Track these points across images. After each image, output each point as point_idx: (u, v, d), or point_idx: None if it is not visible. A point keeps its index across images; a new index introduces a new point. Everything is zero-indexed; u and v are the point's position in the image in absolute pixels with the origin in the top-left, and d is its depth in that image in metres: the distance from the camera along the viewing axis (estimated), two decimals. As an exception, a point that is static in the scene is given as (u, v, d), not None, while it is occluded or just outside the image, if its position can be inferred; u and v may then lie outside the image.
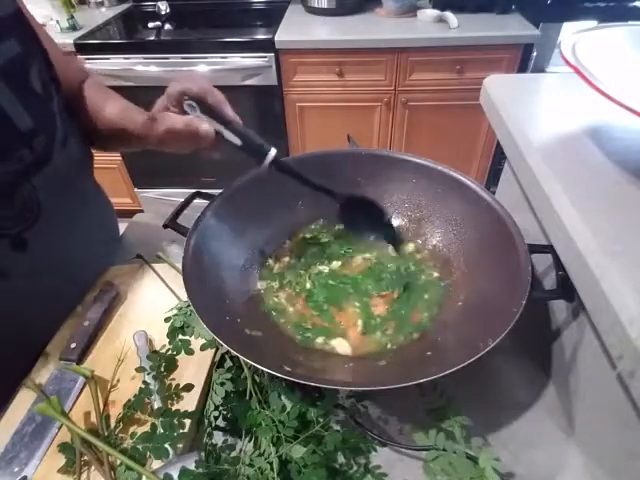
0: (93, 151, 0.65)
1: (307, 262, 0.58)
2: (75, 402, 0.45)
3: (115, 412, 0.44)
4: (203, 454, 0.40)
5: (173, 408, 0.43)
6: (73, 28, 1.61)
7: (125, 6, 1.90)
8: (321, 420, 0.41)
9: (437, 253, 0.57)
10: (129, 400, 0.44)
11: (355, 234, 0.60)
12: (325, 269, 0.57)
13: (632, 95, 0.35)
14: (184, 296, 0.47)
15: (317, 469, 0.38)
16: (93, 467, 0.40)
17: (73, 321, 0.54)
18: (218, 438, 0.44)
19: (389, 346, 0.48)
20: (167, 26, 1.73)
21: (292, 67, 1.56)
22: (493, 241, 0.49)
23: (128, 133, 0.54)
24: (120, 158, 1.85)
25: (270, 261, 0.58)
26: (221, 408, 0.44)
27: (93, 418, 0.44)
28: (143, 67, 1.55)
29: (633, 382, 0.31)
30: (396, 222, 0.61)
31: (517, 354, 0.52)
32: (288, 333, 0.50)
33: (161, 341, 0.51)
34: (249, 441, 0.43)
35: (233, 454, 0.42)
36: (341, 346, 0.49)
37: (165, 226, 0.52)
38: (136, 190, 1.97)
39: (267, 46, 1.50)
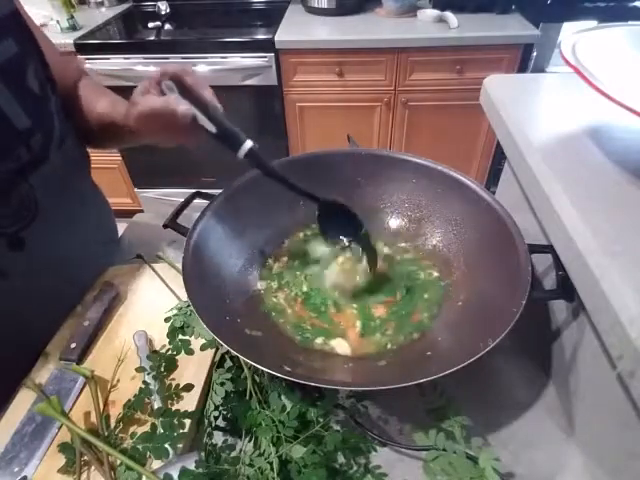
0: (91, 151, 0.65)
1: (304, 263, 0.58)
2: (75, 402, 0.46)
3: (115, 412, 0.44)
4: (203, 454, 0.40)
5: (173, 408, 0.43)
6: (73, 28, 1.61)
7: (125, 6, 1.90)
8: (321, 420, 0.41)
9: (437, 253, 0.57)
10: (129, 400, 0.44)
11: (330, 238, 0.56)
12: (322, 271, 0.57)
13: (632, 95, 0.35)
14: (184, 296, 0.47)
15: (317, 469, 0.38)
16: (93, 467, 0.40)
17: (73, 321, 0.54)
18: (218, 438, 0.44)
19: (389, 346, 0.48)
20: (167, 26, 1.73)
21: (292, 67, 1.56)
22: (493, 241, 0.49)
23: (117, 126, 0.53)
24: (120, 158, 1.85)
25: (270, 261, 0.58)
26: (221, 408, 0.44)
27: (93, 418, 0.44)
28: (143, 67, 1.56)
29: (633, 382, 0.31)
30: (396, 222, 0.61)
31: (517, 354, 0.52)
32: (288, 333, 0.50)
33: (161, 341, 0.51)
34: (249, 441, 0.43)
35: (233, 454, 0.42)
36: (341, 346, 0.49)
37: (165, 226, 0.52)
38: (136, 190, 1.97)
39: (267, 46, 1.50)
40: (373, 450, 0.42)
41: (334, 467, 0.41)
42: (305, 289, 0.55)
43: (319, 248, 0.59)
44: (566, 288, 0.40)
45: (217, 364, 0.48)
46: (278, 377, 0.42)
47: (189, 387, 0.45)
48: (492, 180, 1.82)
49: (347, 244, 0.55)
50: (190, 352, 0.48)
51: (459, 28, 1.49)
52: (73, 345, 0.49)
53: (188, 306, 0.51)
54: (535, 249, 0.45)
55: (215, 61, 1.54)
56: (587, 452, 0.43)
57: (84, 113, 0.58)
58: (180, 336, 0.49)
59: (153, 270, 0.60)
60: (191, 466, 0.38)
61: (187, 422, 0.42)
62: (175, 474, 0.37)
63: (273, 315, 0.52)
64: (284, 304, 0.54)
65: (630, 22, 0.49)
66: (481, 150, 1.76)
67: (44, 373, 0.48)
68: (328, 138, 1.69)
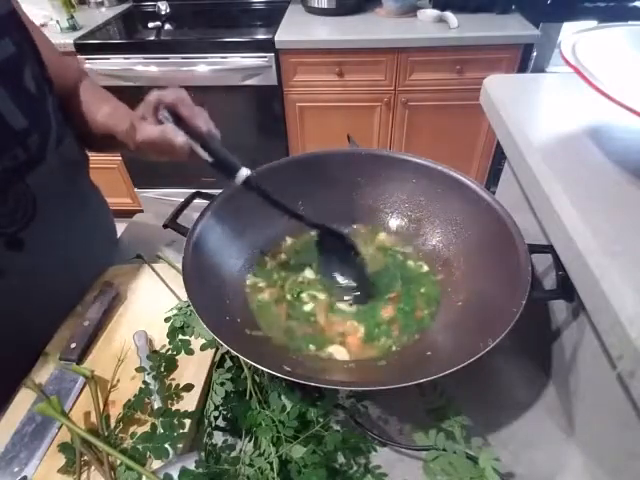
0: (91, 152, 0.65)
1: (293, 271, 0.57)
2: (75, 402, 0.45)
3: (115, 412, 0.44)
4: (203, 454, 0.40)
5: (173, 408, 0.43)
6: (73, 28, 1.61)
7: (125, 6, 1.90)
8: (321, 420, 0.41)
9: (437, 253, 0.57)
10: (129, 400, 0.44)
11: (326, 274, 0.56)
12: (312, 276, 0.56)
13: (632, 95, 0.35)
14: (184, 296, 0.47)
15: (317, 469, 0.38)
16: (93, 467, 0.40)
17: (73, 321, 0.54)
18: (218, 438, 0.44)
19: (394, 349, 0.48)
20: (167, 26, 1.73)
21: (292, 67, 1.56)
22: (493, 241, 0.49)
23: (115, 138, 0.54)
24: (120, 158, 1.85)
25: (266, 259, 0.58)
26: (221, 408, 0.44)
27: (93, 418, 0.44)
28: (143, 67, 1.55)
29: (633, 382, 0.31)
30: (396, 222, 0.61)
31: (517, 354, 0.52)
32: (279, 341, 0.49)
33: (161, 341, 0.51)
34: (249, 441, 0.43)
35: (233, 454, 0.42)
36: (339, 353, 0.48)
37: (165, 226, 0.52)
38: (136, 190, 1.97)
39: (267, 46, 1.50)
40: (373, 450, 0.42)
41: (334, 467, 0.41)
42: (289, 297, 0.54)
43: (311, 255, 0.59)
44: (566, 288, 0.40)
45: (217, 364, 0.48)
46: (278, 377, 0.42)
47: (189, 387, 0.45)
48: (492, 180, 1.82)
49: (342, 284, 0.55)
50: (190, 352, 0.48)
51: (459, 28, 1.49)
52: (73, 345, 0.49)
53: (188, 306, 0.51)
54: (535, 249, 0.45)
55: (215, 61, 1.54)
56: (587, 452, 0.43)
57: (85, 118, 0.58)
58: (180, 336, 0.49)
59: (153, 270, 0.60)
60: (191, 466, 0.38)
61: (187, 422, 0.42)
62: (175, 474, 0.37)
63: (261, 319, 0.51)
64: (274, 310, 0.53)
65: (630, 22, 0.49)
66: (481, 150, 1.76)
67: (44, 373, 0.48)
68: (328, 138, 1.69)
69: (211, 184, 1.82)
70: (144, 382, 0.45)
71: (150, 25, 1.72)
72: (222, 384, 0.45)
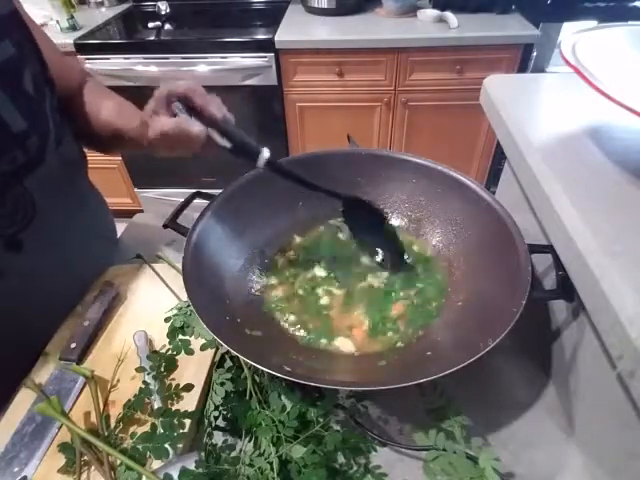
0: (90, 152, 0.65)
1: (304, 266, 0.58)
2: (75, 402, 0.45)
3: (115, 412, 0.44)
4: (203, 454, 0.40)
5: (173, 408, 0.43)
6: (73, 28, 1.61)
7: (125, 6, 1.90)
8: (321, 420, 0.41)
9: (437, 253, 0.57)
10: (129, 400, 0.44)
11: (359, 239, 0.59)
12: (322, 274, 0.57)
13: (632, 95, 0.35)
14: (184, 296, 0.47)
15: (317, 469, 0.38)
16: (93, 467, 0.40)
17: (73, 321, 0.54)
18: (218, 438, 0.44)
19: (399, 344, 0.48)
20: (167, 26, 1.73)
21: (292, 67, 1.56)
22: (493, 241, 0.49)
23: (123, 135, 0.53)
24: (120, 158, 1.85)
25: (270, 261, 0.58)
26: (221, 408, 0.44)
27: (93, 418, 0.44)
28: (143, 67, 1.55)
29: (633, 382, 0.31)
30: (396, 222, 0.61)
31: (517, 354, 0.52)
32: (290, 333, 0.50)
33: (161, 341, 0.51)
34: (249, 441, 0.43)
35: (233, 454, 0.42)
36: (345, 345, 0.49)
37: (165, 226, 0.52)
38: (136, 190, 1.97)
39: (267, 46, 1.50)
40: (373, 450, 0.42)
41: (334, 467, 0.41)
42: (301, 292, 0.55)
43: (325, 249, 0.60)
44: (566, 288, 0.40)
45: (217, 364, 0.48)
46: (278, 377, 0.42)
47: (189, 387, 0.45)
48: (492, 180, 1.82)
49: (379, 260, 0.57)
50: (190, 352, 0.48)
51: (459, 28, 1.49)
52: (73, 345, 0.49)
53: (188, 306, 0.51)
54: (535, 249, 0.45)
55: (215, 61, 1.54)
56: (587, 452, 0.43)
57: (88, 118, 0.58)
58: (180, 336, 0.49)
59: (153, 270, 0.60)
60: (191, 466, 0.38)
61: (187, 422, 0.42)
62: (175, 474, 0.37)
63: (275, 316, 0.52)
64: (286, 305, 0.53)
65: (630, 22, 0.49)
66: (481, 150, 1.76)
67: (44, 373, 0.48)
68: (328, 138, 1.69)
69: (211, 184, 1.83)
70: (144, 382, 0.45)
71: (150, 25, 1.72)
72: (222, 384, 0.45)
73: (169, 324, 0.51)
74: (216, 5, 1.88)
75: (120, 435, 0.42)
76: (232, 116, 0.48)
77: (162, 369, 0.47)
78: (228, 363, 0.47)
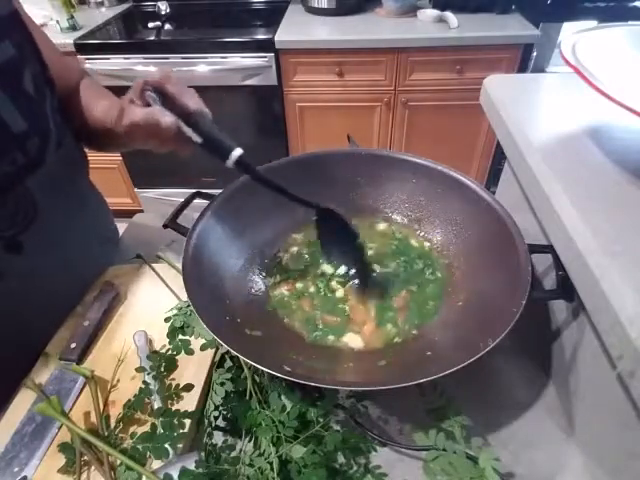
0: (91, 152, 0.65)
1: (310, 264, 0.58)
2: (75, 402, 0.45)
3: (115, 412, 0.44)
4: (203, 454, 0.40)
5: (173, 408, 0.43)
6: (73, 28, 1.61)
7: (125, 6, 1.90)
8: (321, 420, 0.41)
9: (437, 253, 0.57)
10: (129, 400, 0.44)
11: (327, 249, 0.56)
12: (329, 270, 0.57)
13: (632, 95, 0.35)
14: (184, 296, 0.47)
15: (317, 469, 0.38)
16: (93, 467, 0.40)
17: (73, 321, 0.54)
18: (218, 438, 0.44)
19: (396, 340, 0.49)
20: (167, 26, 1.73)
21: (292, 67, 1.56)
22: (493, 241, 0.49)
23: (110, 131, 0.53)
24: (120, 158, 1.85)
25: (271, 261, 0.58)
26: (221, 408, 0.44)
27: (93, 418, 0.44)
28: (143, 67, 1.56)
29: (633, 382, 0.31)
30: (396, 222, 0.61)
31: (517, 354, 0.52)
32: (296, 330, 0.50)
33: (161, 341, 0.51)
34: (249, 441, 0.43)
35: (233, 454, 0.42)
36: (354, 341, 0.49)
37: (165, 226, 0.52)
38: (136, 190, 1.97)
39: (267, 46, 1.50)
40: (373, 450, 0.42)
41: (334, 467, 0.41)
42: (312, 290, 0.55)
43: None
44: (566, 288, 0.40)
45: (217, 364, 0.48)
46: (278, 377, 0.42)
47: (189, 387, 0.45)
48: (492, 180, 1.82)
49: (345, 271, 0.56)
50: (190, 352, 0.48)
51: (459, 28, 1.49)
52: (73, 345, 0.49)
53: (188, 306, 0.51)
54: (535, 249, 0.45)
55: (215, 61, 1.54)
56: (587, 452, 0.43)
57: (84, 116, 0.58)
58: (180, 336, 0.49)
59: (153, 270, 0.60)
60: (191, 466, 0.38)
61: (187, 422, 0.42)
62: (175, 474, 0.37)
63: (279, 313, 0.52)
64: (291, 302, 0.53)
65: (630, 22, 0.49)
66: (481, 150, 1.76)
67: (44, 373, 0.48)
68: (328, 138, 1.69)
69: (211, 184, 1.83)
70: (144, 382, 0.45)
71: (150, 25, 1.72)
72: (222, 384, 0.45)
73: (169, 324, 0.51)
74: (216, 5, 1.88)
75: (120, 435, 0.42)
76: (209, 112, 0.47)
77: (162, 369, 0.47)
78: (228, 363, 0.47)
